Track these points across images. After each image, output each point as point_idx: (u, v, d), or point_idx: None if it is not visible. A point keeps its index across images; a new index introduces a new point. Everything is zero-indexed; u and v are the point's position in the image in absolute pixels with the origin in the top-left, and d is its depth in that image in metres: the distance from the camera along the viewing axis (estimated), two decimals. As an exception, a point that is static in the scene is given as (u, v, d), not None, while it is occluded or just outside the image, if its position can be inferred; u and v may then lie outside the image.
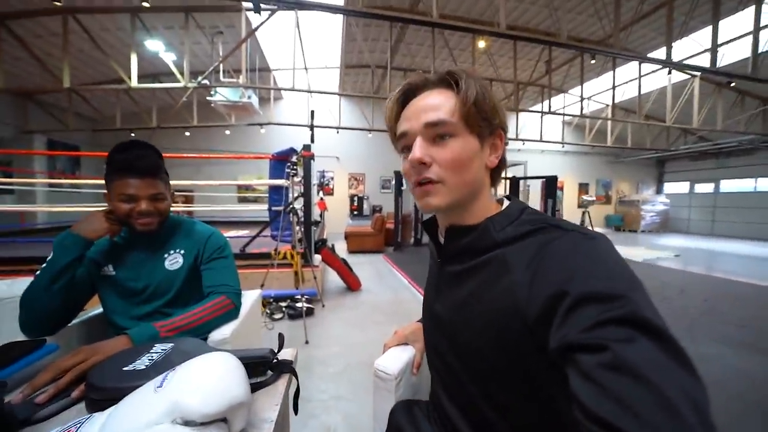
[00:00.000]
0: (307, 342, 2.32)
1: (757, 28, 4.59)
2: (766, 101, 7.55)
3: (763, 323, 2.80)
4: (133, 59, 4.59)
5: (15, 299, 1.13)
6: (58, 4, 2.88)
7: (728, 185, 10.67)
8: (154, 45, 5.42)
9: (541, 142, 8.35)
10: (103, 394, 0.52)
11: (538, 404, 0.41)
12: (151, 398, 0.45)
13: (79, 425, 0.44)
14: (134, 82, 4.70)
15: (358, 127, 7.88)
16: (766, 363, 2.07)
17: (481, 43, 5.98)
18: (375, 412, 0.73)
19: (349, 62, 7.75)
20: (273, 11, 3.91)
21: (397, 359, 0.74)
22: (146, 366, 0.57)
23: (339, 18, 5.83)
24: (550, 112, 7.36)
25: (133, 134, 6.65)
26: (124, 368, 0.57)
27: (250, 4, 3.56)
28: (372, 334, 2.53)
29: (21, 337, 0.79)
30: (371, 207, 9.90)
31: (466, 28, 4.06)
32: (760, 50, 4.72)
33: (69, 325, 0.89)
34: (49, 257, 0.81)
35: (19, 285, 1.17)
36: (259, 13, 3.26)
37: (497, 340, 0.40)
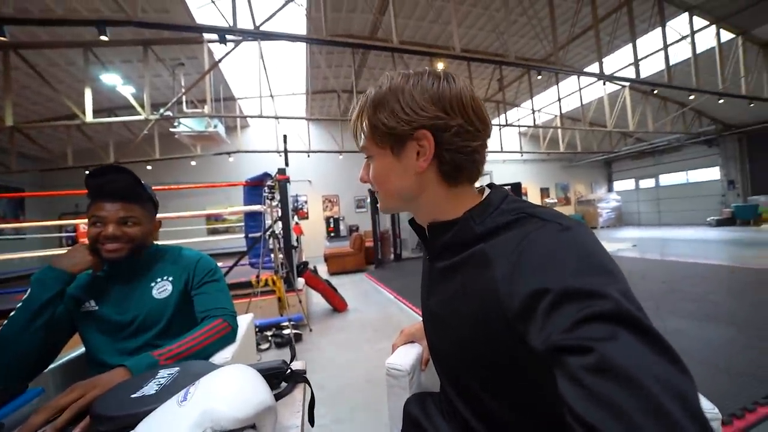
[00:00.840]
0: (302, 363, 2.22)
1: (666, 45, 5.39)
2: (683, 105, 8.71)
3: (716, 297, 3.11)
4: (88, 94, 4.39)
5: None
6: (3, 39, 2.72)
7: (666, 179, 11.96)
8: (111, 79, 5.23)
9: (501, 153, 8.93)
10: (115, 424, 0.49)
11: (535, 396, 0.42)
12: (177, 413, 0.44)
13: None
14: (89, 118, 4.47)
15: (329, 150, 7.97)
16: (722, 330, 2.30)
17: (439, 65, 6.42)
18: (390, 410, 0.74)
19: (315, 88, 7.93)
20: (237, 42, 3.97)
21: (406, 356, 0.76)
22: (156, 391, 0.55)
23: (302, 46, 6.02)
24: (507, 125, 7.94)
25: (87, 172, 6.22)
26: (132, 395, 0.54)
27: (212, 36, 3.61)
28: (364, 352, 2.49)
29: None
30: (348, 227, 9.85)
31: (424, 52, 4.36)
32: (671, 63, 5.51)
33: (46, 370, 0.82)
34: (26, 296, 0.76)
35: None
36: (225, 44, 3.30)
37: (484, 333, 0.41)
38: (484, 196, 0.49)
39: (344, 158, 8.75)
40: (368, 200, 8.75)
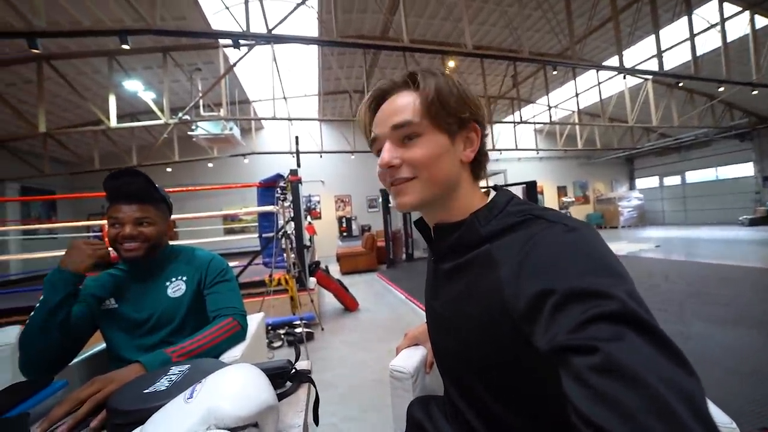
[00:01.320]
0: (311, 363, 2.26)
1: (692, 35, 5.13)
2: (712, 97, 8.25)
3: (743, 300, 2.94)
4: (112, 100, 4.60)
5: (3, 348, 1.09)
6: (37, 51, 2.89)
7: (693, 176, 11.38)
8: (133, 85, 5.46)
9: (517, 151, 8.74)
10: (128, 418, 0.52)
11: (539, 399, 0.41)
12: (183, 409, 0.46)
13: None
14: (113, 123, 4.68)
15: (341, 150, 8.03)
16: (751, 337, 2.17)
17: (451, 63, 6.35)
18: (394, 412, 0.74)
19: (327, 89, 8.00)
20: (251, 46, 4.06)
21: (410, 358, 0.76)
22: (167, 387, 0.57)
23: (314, 48, 6.09)
24: (521, 122, 7.76)
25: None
26: (145, 391, 0.57)
27: (228, 41, 3.70)
28: (376, 352, 2.50)
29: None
30: (360, 227, 9.91)
31: (436, 50, 4.32)
32: (698, 53, 5.24)
33: (71, 363, 0.87)
34: (42, 297, 0.79)
35: (4, 334, 1.13)
36: (239, 49, 3.39)
37: (490, 334, 0.41)
38: (489, 198, 0.49)
39: (356, 158, 8.80)
40: (380, 200, 8.76)
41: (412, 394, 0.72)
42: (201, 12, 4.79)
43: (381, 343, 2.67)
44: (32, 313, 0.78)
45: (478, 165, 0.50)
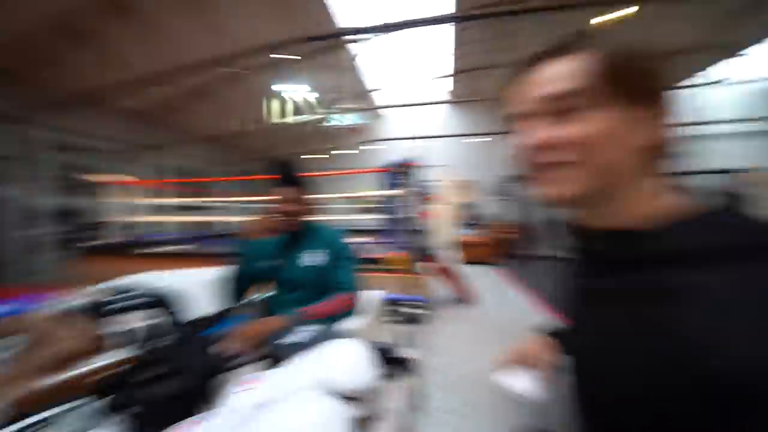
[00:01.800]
0: (420, 349, 2.35)
1: None
2: None
3: None
4: (281, 102, 5.85)
5: (211, 282, 1.57)
6: (245, 71, 3.95)
7: None
8: (286, 87, 6.77)
9: (720, 124, 6.14)
10: (266, 360, 0.66)
11: None
12: (304, 368, 0.54)
13: (257, 378, 0.57)
14: (277, 119, 5.97)
15: (466, 133, 7.68)
16: None
17: (624, 11, 4.88)
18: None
19: (456, 68, 7.69)
20: (380, 34, 4.28)
21: (521, 379, 0.66)
22: (299, 340, 0.72)
23: (444, 30, 5.90)
24: (737, 82, 5.34)
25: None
26: (285, 340, 0.71)
27: (358, 36, 4.03)
28: (487, 350, 2.35)
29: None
30: (482, 215, 9.38)
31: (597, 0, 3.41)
32: None
33: (252, 301, 1.20)
34: (231, 253, 1.14)
35: (218, 272, 1.65)
36: (369, 40, 3.66)
37: (659, 393, 0.31)
38: (682, 202, 0.36)
39: (481, 142, 8.27)
40: (508, 187, 7.97)
41: (521, 418, 0.63)
42: (331, 14, 5.37)
43: (494, 343, 2.48)
44: (225, 264, 1.11)
45: (661, 154, 0.37)
